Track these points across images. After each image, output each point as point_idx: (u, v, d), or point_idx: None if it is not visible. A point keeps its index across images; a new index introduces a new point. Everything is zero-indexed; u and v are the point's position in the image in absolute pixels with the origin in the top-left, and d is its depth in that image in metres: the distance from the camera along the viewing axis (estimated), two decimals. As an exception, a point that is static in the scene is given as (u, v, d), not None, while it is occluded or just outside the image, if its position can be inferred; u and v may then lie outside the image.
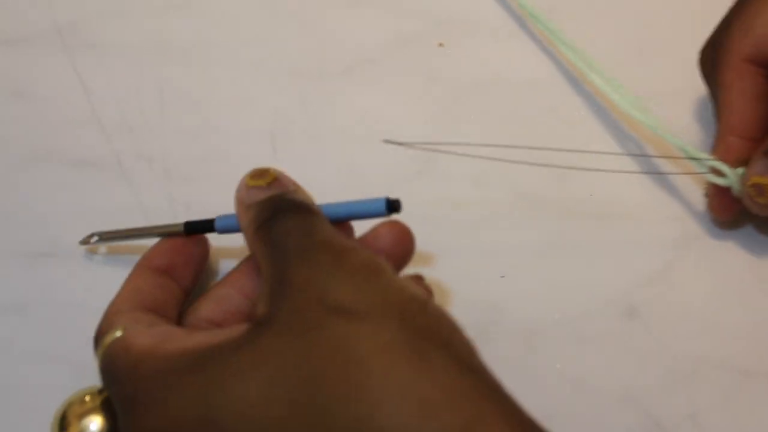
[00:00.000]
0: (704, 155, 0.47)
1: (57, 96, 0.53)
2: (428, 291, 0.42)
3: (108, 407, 0.41)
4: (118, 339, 0.39)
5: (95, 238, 0.47)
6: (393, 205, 0.41)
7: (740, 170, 0.46)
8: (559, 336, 0.47)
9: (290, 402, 0.33)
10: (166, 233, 0.45)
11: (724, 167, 0.47)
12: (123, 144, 0.52)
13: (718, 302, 0.48)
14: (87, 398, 0.42)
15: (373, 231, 0.42)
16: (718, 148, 0.48)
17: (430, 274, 0.48)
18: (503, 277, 0.49)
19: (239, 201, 0.41)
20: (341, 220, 0.41)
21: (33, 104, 0.53)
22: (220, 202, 0.47)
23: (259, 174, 0.41)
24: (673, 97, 0.53)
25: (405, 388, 0.33)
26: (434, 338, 0.34)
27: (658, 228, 0.50)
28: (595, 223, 0.50)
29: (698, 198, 0.50)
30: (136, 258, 0.44)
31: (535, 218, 0.50)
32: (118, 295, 0.42)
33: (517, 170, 0.51)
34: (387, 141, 0.43)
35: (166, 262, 0.43)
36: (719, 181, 0.47)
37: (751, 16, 0.47)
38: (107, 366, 0.39)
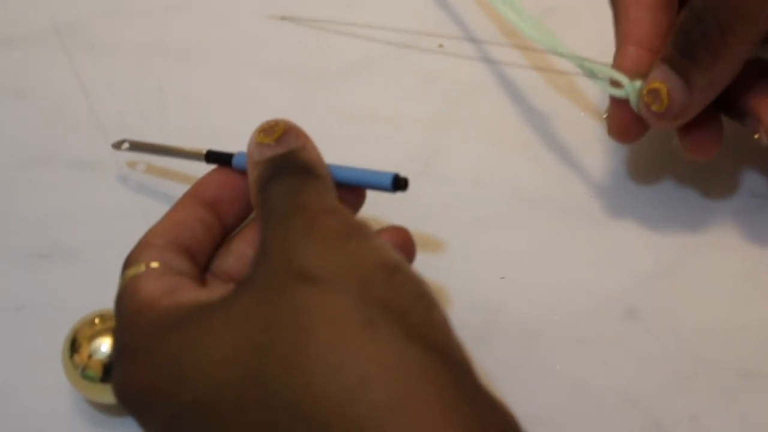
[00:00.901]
0: (600, 66, 0.46)
1: (56, 96, 0.53)
2: (407, 243, 0.42)
3: None
4: (135, 278, 0.39)
5: (126, 145, 0.49)
6: (400, 183, 0.41)
7: (638, 82, 0.45)
8: (559, 337, 0.47)
9: (244, 365, 0.33)
10: (188, 155, 0.46)
11: (620, 76, 0.45)
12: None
13: (719, 302, 0.48)
14: (96, 320, 0.43)
15: (377, 234, 0.41)
16: (615, 58, 0.46)
17: (429, 274, 0.48)
18: (503, 278, 0.48)
19: (248, 156, 0.41)
20: (345, 185, 0.41)
21: (32, 105, 0.53)
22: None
23: (269, 129, 0.41)
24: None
25: (345, 360, 0.32)
26: (390, 310, 0.33)
27: (657, 228, 0.50)
28: (595, 223, 0.50)
29: (698, 200, 0.50)
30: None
31: (534, 219, 0.50)
32: (159, 224, 0.42)
33: (517, 170, 0.51)
34: (271, 16, 0.42)
35: (214, 193, 0.43)
36: (616, 92, 0.45)
37: None
38: (118, 302, 0.39)
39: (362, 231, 0.36)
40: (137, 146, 0.49)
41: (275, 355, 0.33)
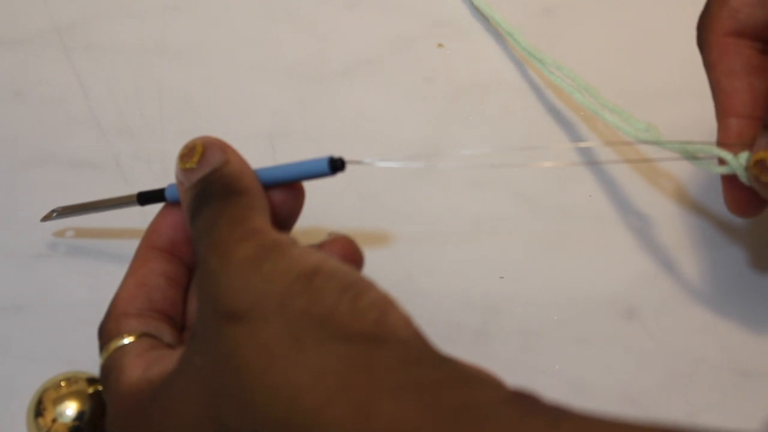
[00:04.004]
0: (703, 146, 0.44)
1: (56, 97, 0.53)
2: (349, 251, 0.40)
3: (94, 397, 0.41)
4: (120, 352, 0.39)
5: (54, 214, 0.47)
6: (336, 164, 0.39)
7: (744, 154, 0.42)
8: (557, 336, 0.47)
9: (208, 419, 0.34)
10: (119, 204, 0.45)
11: (723, 153, 0.43)
12: (121, 145, 0.52)
13: (718, 302, 0.48)
14: (63, 383, 0.42)
15: (320, 246, 0.40)
16: (718, 134, 0.44)
17: (429, 274, 0.48)
18: (502, 278, 0.49)
19: (178, 183, 0.40)
20: (284, 183, 0.40)
21: (32, 105, 0.53)
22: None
23: (188, 153, 0.40)
24: (675, 97, 0.53)
25: (277, 382, 0.33)
26: (311, 318, 0.34)
27: (657, 227, 0.50)
28: (594, 223, 0.50)
29: (700, 197, 0.50)
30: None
31: (533, 219, 0.50)
32: (124, 288, 0.41)
33: (516, 171, 0.51)
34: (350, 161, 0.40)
35: (167, 238, 0.42)
36: (722, 170, 0.43)
37: None
38: (104, 378, 0.39)
39: (278, 247, 0.36)
40: (67, 211, 0.47)
41: (226, 401, 0.34)
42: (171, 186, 0.42)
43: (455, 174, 0.51)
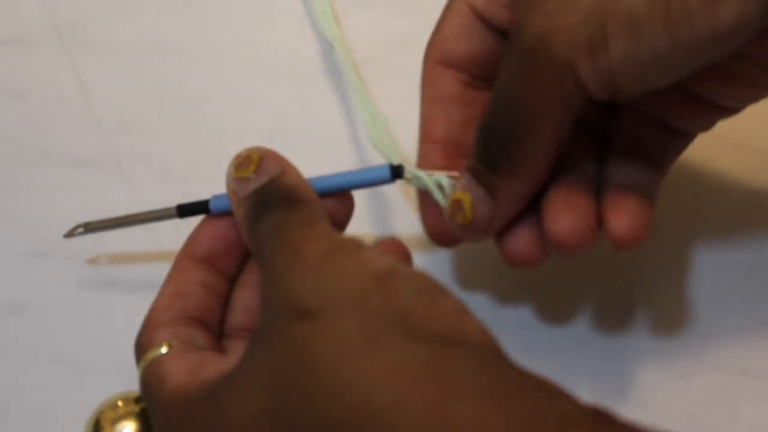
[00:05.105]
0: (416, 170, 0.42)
1: (56, 96, 0.53)
2: (403, 254, 0.40)
3: (144, 415, 0.42)
4: (156, 362, 0.39)
5: (80, 230, 0.45)
6: (397, 171, 0.41)
7: (442, 177, 0.42)
8: (556, 336, 0.47)
9: (271, 415, 0.34)
10: (157, 218, 0.44)
11: (419, 172, 0.42)
12: (121, 144, 0.52)
13: (718, 301, 0.48)
14: (120, 403, 0.42)
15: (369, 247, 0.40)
16: (417, 158, 0.44)
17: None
18: (501, 276, 0.49)
19: (230, 194, 0.40)
20: (338, 191, 0.41)
21: (31, 104, 0.53)
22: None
23: (243, 163, 0.40)
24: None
25: (350, 379, 0.32)
26: (387, 316, 0.33)
27: (656, 227, 0.50)
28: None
29: (697, 199, 0.50)
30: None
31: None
32: (160, 298, 0.41)
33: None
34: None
35: (206, 249, 0.41)
36: (416, 184, 0.42)
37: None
38: (145, 389, 0.39)
39: (348, 248, 0.36)
40: (93, 227, 0.45)
41: (292, 398, 0.33)
42: (215, 198, 0.42)
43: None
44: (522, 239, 0.42)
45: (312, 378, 0.33)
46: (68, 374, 0.46)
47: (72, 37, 0.55)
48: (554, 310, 0.48)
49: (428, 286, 0.35)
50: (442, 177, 0.42)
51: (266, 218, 0.38)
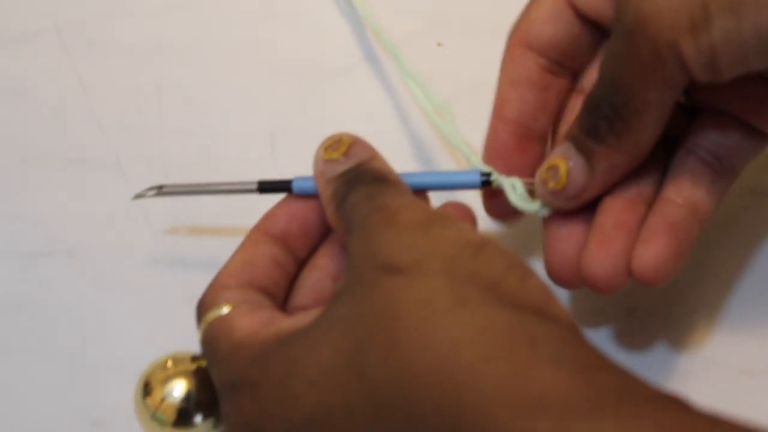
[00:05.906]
0: (476, 159, 0.44)
1: (56, 96, 0.53)
2: (470, 218, 0.41)
3: (197, 374, 0.41)
4: (221, 318, 0.39)
5: (152, 192, 0.44)
6: (487, 177, 0.42)
7: (515, 180, 0.43)
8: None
9: (346, 367, 0.34)
10: (235, 191, 0.44)
11: (500, 177, 0.43)
12: (122, 144, 0.52)
13: (717, 301, 0.48)
14: (169, 363, 0.41)
15: (440, 209, 0.41)
16: (487, 135, 0.45)
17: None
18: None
19: (318, 175, 0.40)
20: (427, 189, 0.42)
21: (32, 104, 0.53)
22: (219, 202, 0.48)
23: (334, 145, 0.41)
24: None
25: (437, 334, 0.33)
26: (479, 281, 0.34)
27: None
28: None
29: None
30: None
31: (532, 218, 0.50)
32: (230, 264, 0.41)
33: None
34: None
35: (282, 227, 0.42)
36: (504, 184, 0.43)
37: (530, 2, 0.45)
38: (208, 345, 0.39)
39: (444, 218, 0.37)
40: (169, 190, 0.44)
41: (372, 350, 0.33)
42: (297, 179, 0.42)
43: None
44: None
45: (397, 330, 0.33)
46: (66, 373, 0.46)
47: (72, 37, 0.55)
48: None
49: (519, 263, 0.35)
50: (518, 182, 0.43)
51: (357, 191, 0.38)
